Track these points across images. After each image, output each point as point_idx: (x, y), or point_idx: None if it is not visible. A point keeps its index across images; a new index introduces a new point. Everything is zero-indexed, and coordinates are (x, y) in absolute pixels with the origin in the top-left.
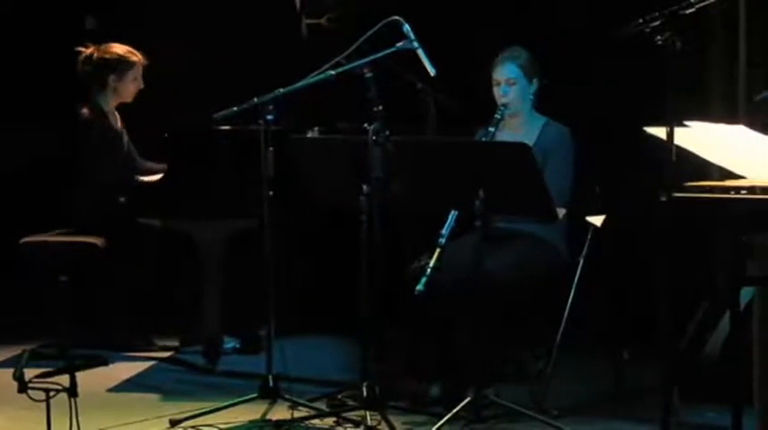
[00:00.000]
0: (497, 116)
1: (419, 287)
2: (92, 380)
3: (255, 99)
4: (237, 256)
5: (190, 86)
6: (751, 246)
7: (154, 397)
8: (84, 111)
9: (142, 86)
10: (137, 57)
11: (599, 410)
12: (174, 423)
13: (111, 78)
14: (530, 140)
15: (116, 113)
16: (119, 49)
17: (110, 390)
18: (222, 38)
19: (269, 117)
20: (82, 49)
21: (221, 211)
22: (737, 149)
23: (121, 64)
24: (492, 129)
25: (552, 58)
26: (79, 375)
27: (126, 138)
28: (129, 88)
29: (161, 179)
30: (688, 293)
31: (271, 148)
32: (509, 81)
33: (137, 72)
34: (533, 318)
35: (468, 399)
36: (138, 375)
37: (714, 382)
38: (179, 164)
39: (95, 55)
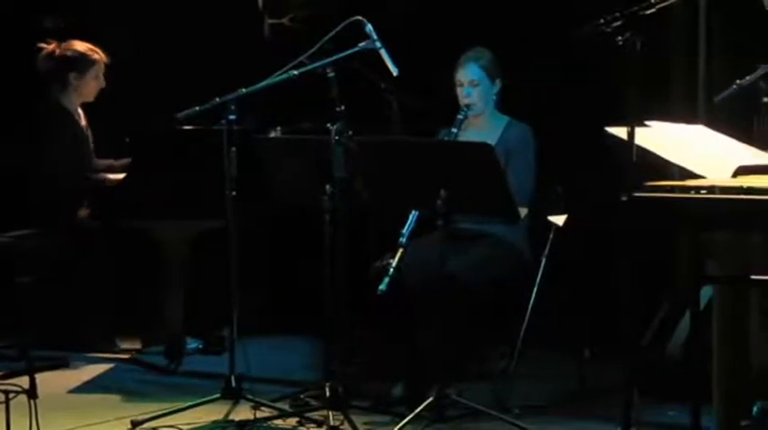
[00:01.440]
0: (460, 116)
1: (381, 287)
2: (52, 381)
3: (218, 99)
4: (201, 257)
5: (152, 86)
6: (710, 245)
7: (115, 398)
8: (48, 109)
9: (104, 85)
10: (98, 55)
11: (561, 409)
12: (135, 424)
13: (72, 76)
14: (492, 140)
15: (80, 112)
16: (80, 46)
17: (70, 392)
18: (184, 37)
19: (231, 117)
20: (44, 45)
21: (184, 212)
22: (697, 149)
23: (82, 62)
24: (455, 129)
25: (514, 59)
26: (39, 376)
27: (90, 138)
28: (91, 86)
29: (124, 179)
30: (649, 293)
31: (233, 148)
32: (472, 82)
33: (98, 70)
34: (496, 317)
35: (430, 399)
36: (100, 376)
37: (675, 381)
38: (141, 164)
39: (57, 52)
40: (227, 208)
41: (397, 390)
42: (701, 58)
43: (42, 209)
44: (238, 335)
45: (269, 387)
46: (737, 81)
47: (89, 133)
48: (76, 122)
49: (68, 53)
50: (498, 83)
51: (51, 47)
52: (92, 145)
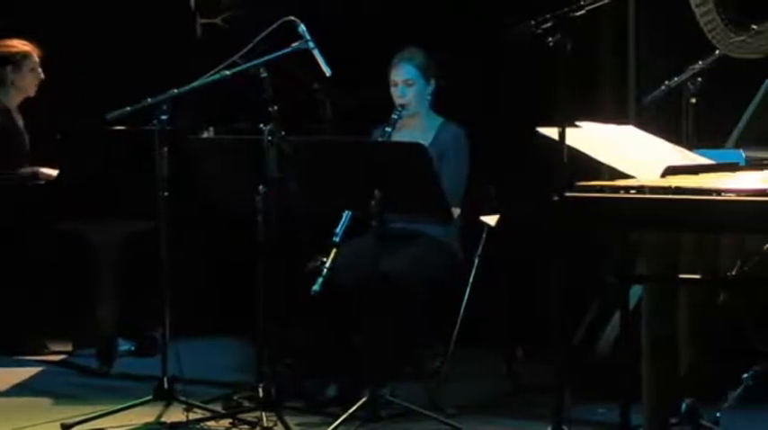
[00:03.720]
0: (394, 116)
1: (315, 287)
2: None
3: (150, 99)
4: (133, 258)
5: (83, 86)
6: (640, 244)
7: (46, 401)
8: None
9: (42, 77)
10: (29, 47)
11: (493, 408)
12: (66, 427)
13: (9, 69)
14: (426, 141)
15: (18, 112)
16: (11, 41)
17: None
18: (116, 37)
19: (163, 117)
20: None
21: (115, 212)
22: (627, 149)
23: (16, 56)
24: (389, 129)
25: (448, 59)
26: None
27: (27, 140)
28: (28, 79)
29: (54, 180)
30: (580, 292)
31: (165, 149)
32: (407, 82)
33: (33, 62)
34: (429, 317)
35: (364, 399)
36: (30, 379)
37: (605, 380)
38: (72, 165)
39: None
40: (160, 208)
41: (331, 391)
42: (631, 59)
43: None
44: (171, 336)
45: (202, 388)
46: (666, 82)
47: (26, 136)
48: (12, 120)
49: (1, 51)
50: (432, 83)
51: None
52: (27, 147)
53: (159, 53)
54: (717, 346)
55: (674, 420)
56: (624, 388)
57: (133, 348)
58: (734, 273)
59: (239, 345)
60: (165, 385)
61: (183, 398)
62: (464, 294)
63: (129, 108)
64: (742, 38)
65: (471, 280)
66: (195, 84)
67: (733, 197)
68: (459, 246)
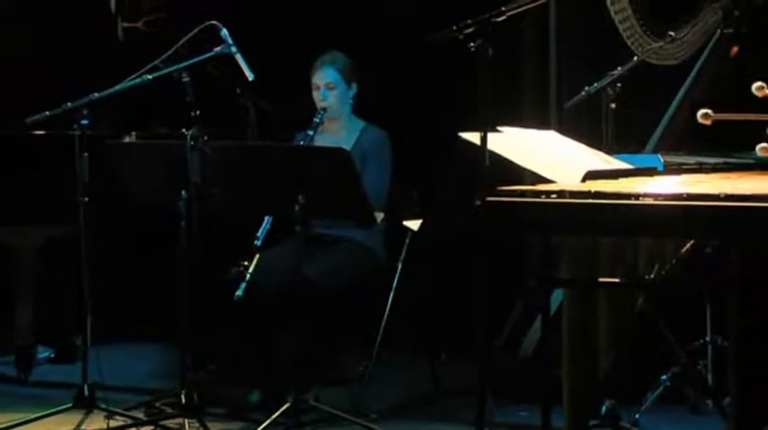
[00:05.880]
0: (316, 120)
1: (238, 293)
2: None
3: (70, 104)
4: (52, 263)
5: (1, 90)
6: (561, 248)
7: None
8: None
9: None
10: None
11: (417, 412)
12: None
13: None
14: (348, 144)
15: None
16: None
17: None
18: (36, 40)
19: (84, 122)
20: None
21: (34, 218)
22: (548, 154)
23: None
24: (311, 132)
25: (370, 63)
26: None
27: None
28: None
29: None
30: (503, 296)
31: (86, 154)
32: (328, 85)
33: None
34: (353, 321)
35: (287, 405)
36: None
37: (527, 382)
38: None
39: None
40: (80, 213)
41: (254, 396)
42: (552, 65)
43: None
44: (92, 342)
45: (123, 395)
46: (586, 87)
47: None
48: None
49: None
50: (354, 87)
51: None
52: None
53: (80, 57)
54: (635, 349)
55: (594, 421)
56: (545, 390)
57: (53, 355)
58: (652, 276)
59: (161, 351)
60: (86, 392)
61: (103, 406)
62: (388, 298)
63: (47, 113)
64: (659, 44)
65: (395, 284)
66: (116, 88)
67: (651, 201)
68: (383, 249)
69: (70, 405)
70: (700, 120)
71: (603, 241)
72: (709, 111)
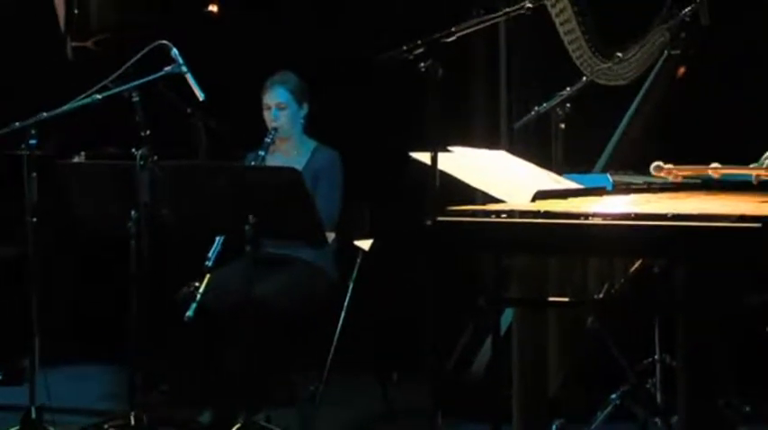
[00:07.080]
0: (267, 140)
1: (189, 313)
2: None
3: (17, 123)
4: None
5: None
6: (511, 268)
7: None
8: None
9: None
10: None
11: None
12: None
13: None
14: (300, 164)
15: None
16: None
17: None
18: None
19: (32, 142)
20: None
21: None
22: (499, 174)
23: None
24: (262, 152)
25: (321, 83)
26: None
27: None
28: None
29: None
30: (454, 316)
31: (34, 174)
32: (279, 105)
33: None
34: (304, 341)
35: (238, 425)
36: None
37: (478, 402)
38: None
39: None
40: (28, 234)
41: (205, 417)
42: (502, 85)
43: None
44: (40, 364)
45: (71, 417)
46: (536, 107)
47: None
48: None
49: None
50: (305, 107)
51: None
52: None
53: (28, 76)
54: (585, 368)
55: None
56: (496, 409)
57: (0, 377)
58: (601, 295)
59: (110, 373)
60: (33, 415)
61: (51, 428)
62: (339, 318)
63: None
64: (608, 65)
65: (346, 304)
66: (65, 107)
67: (600, 221)
68: (335, 269)
69: (17, 427)
70: (653, 172)
71: (553, 261)
72: (660, 163)
